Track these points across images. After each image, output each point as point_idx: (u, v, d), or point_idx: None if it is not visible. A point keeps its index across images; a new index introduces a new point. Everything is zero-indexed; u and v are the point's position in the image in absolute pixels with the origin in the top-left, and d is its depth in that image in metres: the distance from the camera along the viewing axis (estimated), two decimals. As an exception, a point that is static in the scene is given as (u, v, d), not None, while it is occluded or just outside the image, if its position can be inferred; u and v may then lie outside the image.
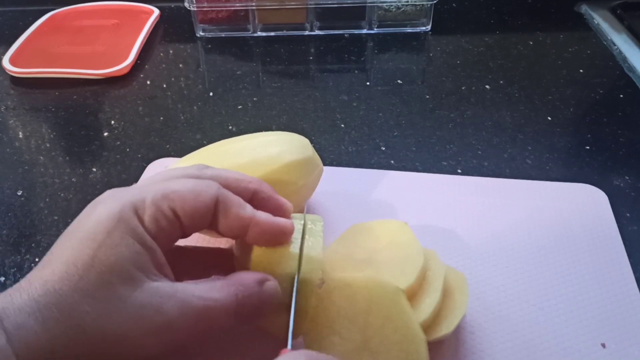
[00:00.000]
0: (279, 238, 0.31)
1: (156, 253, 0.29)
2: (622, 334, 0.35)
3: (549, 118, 0.55)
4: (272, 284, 0.30)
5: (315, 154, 0.42)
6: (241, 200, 0.31)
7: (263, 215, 0.31)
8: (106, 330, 0.26)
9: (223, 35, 0.70)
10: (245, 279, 0.29)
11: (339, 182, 0.46)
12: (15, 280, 0.40)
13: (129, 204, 0.28)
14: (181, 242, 0.32)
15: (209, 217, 0.30)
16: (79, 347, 0.25)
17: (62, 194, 0.48)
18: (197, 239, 0.41)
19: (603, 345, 0.34)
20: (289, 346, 0.29)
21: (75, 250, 0.27)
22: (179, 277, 0.30)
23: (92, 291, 0.26)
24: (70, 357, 0.25)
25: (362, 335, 0.30)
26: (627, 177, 0.47)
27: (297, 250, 0.31)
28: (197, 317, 0.27)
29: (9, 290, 0.26)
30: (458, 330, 0.35)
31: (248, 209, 0.31)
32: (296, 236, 0.32)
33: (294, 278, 0.31)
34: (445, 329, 0.32)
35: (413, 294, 0.33)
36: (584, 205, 0.43)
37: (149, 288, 0.27)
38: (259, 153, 0.39)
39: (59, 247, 0.28)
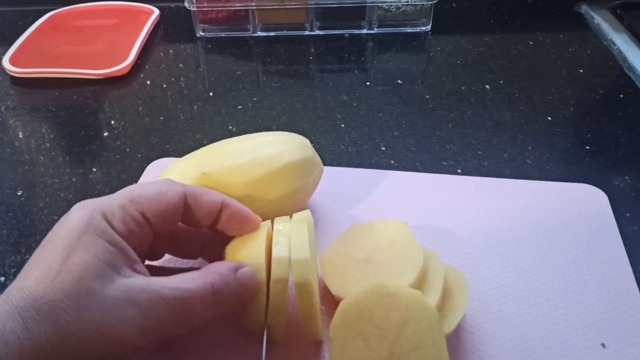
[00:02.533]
0: (250, 222, 0.34)
1: (128, 252, 0.30)
2: (622, 333, 0.35)
3: (549, 118, 0.55)
4: (247, 269, 0.31)
5: (316, 154, 0.42)
6: (209, 189, 0.33)
7: (233, 200, 0.33)
8: (83, 324, 0.26)
9: (223, 35, 0.70)
10: (219, 267, 0.31)
11: (339, 182, 0.46)
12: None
13: (97, 210, 0.30)
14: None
15: (179, 214, 0.32)
16: (59, 344, 0.26)
17: (62, 194, 0.48)
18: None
19: (603, 346, 0.34)
20: (264, 342, 0.30)
21: (49, 255, 0.28)
22: None
23: (66, 288, 0.27)
24: (52, 356, 0.26)
25: (389, 353, 0.30)
26: (627, 177, 0.47)
27: (263, 251, 0.32)
28: (170, 308, 0.28)
29: None
30: (458, 330, 0.35)
31: (218, 194, 0.33)
32: (282, 239, 0.32)
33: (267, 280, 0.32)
34: (445, 329, 0.32)
35: None
36: (584, 206, 0.43)
37: (122, 284, 0.28)
38: (259, 153, 0.39)
39: (35, 257, 0.29)
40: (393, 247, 0.36)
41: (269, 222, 0.35)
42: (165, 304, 0.28)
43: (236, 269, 0.31)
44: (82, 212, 0.30)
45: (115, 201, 0.30)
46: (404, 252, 0.35)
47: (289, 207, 0.40)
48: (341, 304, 0.31)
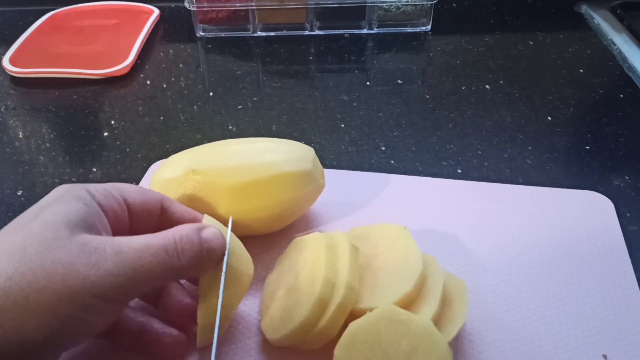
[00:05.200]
0: None
1: (102, 218, 0.30)
2: (624, 345, 0.34)
3: (549, 118, 0.55)
4: (211, 229, 0.31)
5: (317, 169, 0.40)
6: (183, 207, 0.35)
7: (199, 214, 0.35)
8: (47, 262, 0.26)
9: (223, 35, 0.70)
10: (183, 227, 0.31)
11: (339, 185, 0.46)
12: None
13: (80, 185, 0.31)
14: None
15: (156, 212, 0.33)
16: (27, 284, 0.26)
17: (62, 194, 0.48)
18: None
19: (605, 357, 0.34)
20: (216, 333, 0.30)
21: (25, 213, 0.29)
22: None
23: (34, 232, 0.27)
24: (20, 295, 0.26)
25: None
26: (627, 177, 0.47)
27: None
28: (135, 253, 0.28)
29: None
30: (457, 339, 0.34)
31: (190, 211, 0.35)
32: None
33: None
34: (445, 337, 0.31)
35: (411, 302, 0.32)
36: (589, 213, 0.43)
37: (90, 236, 0.28)
38: (252, 159, 0.38)
39: (11, 223, 0.29)
40: (392, 252, 0.35)
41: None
42: (131, 251, 0.28)
43: (200, 228, 0.31)
44: (64, 185, 0.31)
45: (95, 184, 0.32)
46: (402, 257, 0.35)
47: (274, 218, 0.39)
48: (351, 326, 0.31)
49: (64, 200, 0.29)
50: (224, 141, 0.41)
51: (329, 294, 0.32)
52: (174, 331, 0.34)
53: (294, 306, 0.32)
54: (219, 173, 0.37)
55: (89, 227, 0.29)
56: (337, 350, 0.30)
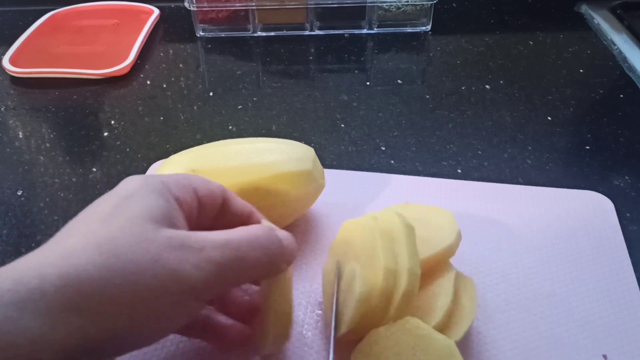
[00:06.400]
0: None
1: (179, 212, 0.29)
2: (624, 345, 0.34)
3: (549, 118, 0.55)
4: (283, 231, 0.31)
5: (317, 169, 0.40)
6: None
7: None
8: (136, 255, 0.25)
9: (223, 35, 0.70)
10: (258, 227, 0.30)
11: (338, 185, 0.46)
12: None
13: (154, 175, 0.30)
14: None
15: (219, 204, 0.32)
16: (110, 275, 0.25)
17: (62, 194, 0.48)
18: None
19: (605, 357, 0.34)
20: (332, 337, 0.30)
21: (103, 204, 0.28)
22: None
23: (120, 225, 0.26)
24: (112, 288, 0.25)
25: None
26: (627, 177, 0.47)
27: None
28: (221, 249, 0.27)
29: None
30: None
31: (246, 204, 0.34)
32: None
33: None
34: (453, 336, 0.31)
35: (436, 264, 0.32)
36: (589, 214, 0.43)
37: (175, 231, 0.27)
38: (252, 159, 0.38)
39: (85, 210, 0.28)
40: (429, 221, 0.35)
41: None
42: (215, 247, 0.27)
43: (274, 228, 0.30)
44: (137, 177, 0.30)
45: (168, 175, 0.31)
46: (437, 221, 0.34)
47: (273, 218, 0.38)
48: (371, 333, 0.31)
49: (144, 194, 0.28)
50: (224, 141, 0.41)
51: (392, 284, 0.31)
52: (239, 324, 0.33)
53: (355, 294, 0.32)
54: (218, 173, 0.37)
55: (170, 222, 0.28)
56: (353, 356, 0.30)
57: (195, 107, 0.58)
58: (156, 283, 0.25)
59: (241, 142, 0.40)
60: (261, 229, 0.29)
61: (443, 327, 0.32)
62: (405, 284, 0.31)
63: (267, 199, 0.38)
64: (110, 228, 0.26)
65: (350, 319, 0.31)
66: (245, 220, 0.33)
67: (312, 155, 0.40)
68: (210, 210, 0.32)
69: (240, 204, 0.33)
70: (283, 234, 0.30)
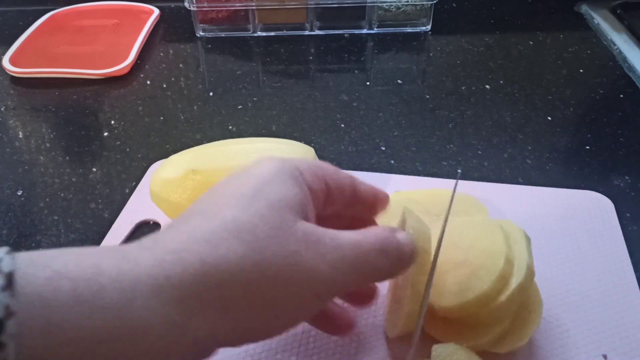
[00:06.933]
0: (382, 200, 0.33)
1: (311, 202, 0.28)
2: (624, 345, 0.34)
3: (549, 118, 0.55)
4: (403, 234, 0.30)
5: None
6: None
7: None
8: (278, 248, 0.25)
9: (223, 35, 0.70)
10: (381, 229, 0.29)
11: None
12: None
13: (288, 161, 0.29)
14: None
15: (349, 194, 0.31)
16: (252, 268, 0.24)
17: (62, 194, 0.48)
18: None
19: (605, 357, 0.34)
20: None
21: (241, 186, 0.27)
22: None
23: (261, 213, 0.25)
24: (243, 280, 0.24)
25: None
26: (627, 177, 0.47)
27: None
28: (350, 253, 0.27)
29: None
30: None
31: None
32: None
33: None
34: (519, 341, 0.32)
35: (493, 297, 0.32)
36: (589, 213, 0.43)
37: (310, 225, 0.27)
38: (252, 158, 0.37)
39: (218, 189, 0.27)
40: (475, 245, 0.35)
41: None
42: (348, 246, 0.27)
43: (393, 230, 0.29)
44: (272, 160, 0.29)
45: (302, 160, 0.30)
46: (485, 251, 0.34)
47: None
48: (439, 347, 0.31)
49: (282, 181, 0.27)
50: (224, 141, 0.41)
51: (509, 272, 0.32)
52: (350, 312, 0.33)
53: (470, 278, 0.32)
54: (219, 173, 0.37)
55: (305, 213, 0.27)
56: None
57: (195, 107, 0.58)
58: (293, 280, 0.25)
59: (241, 142, 0.40)
60: (388, 234, 0.29)
61: (507, 333, 0.33)
62: (523, 276, 0.31)
63: None
64: (251, 215, 0.25)
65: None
66: (370, 206, 0.32)
67: (312, 155, 0.40)
68: (337, 201, 0.31)
69: (365, 190, 0.32)
70: (403, 237, 0.29)
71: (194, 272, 0.23)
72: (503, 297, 0.31)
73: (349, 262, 0.26)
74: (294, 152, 0.39)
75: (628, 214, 0.44)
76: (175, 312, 0.22)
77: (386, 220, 0.35)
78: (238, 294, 0.24)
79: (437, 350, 0.31)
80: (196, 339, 0.23)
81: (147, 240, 0.25)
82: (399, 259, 0.29)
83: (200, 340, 0.23)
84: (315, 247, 0.25)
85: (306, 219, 0.27)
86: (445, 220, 0.33)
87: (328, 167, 0.31)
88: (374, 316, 0.36)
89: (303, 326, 0.35)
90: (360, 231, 0.28)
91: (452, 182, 0.46)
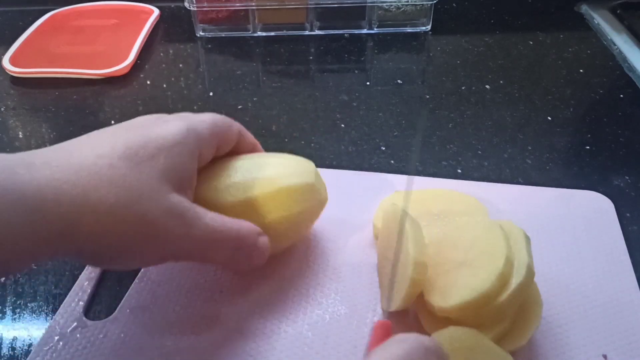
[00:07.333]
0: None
1: (194, 180, 0.33)
2: (624, 345, 0.34)
3: (549, 118, 0.55)
4: (266, 239, 0.34)
5: (320, 183, 0.39)
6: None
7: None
8: (145, 207, 0.29)
9: (223, 35, 0.70)
10: (248, 225, 0.34)
11: (338, 185, 0.45)
12: (15, 280, 0.40)
13: (193, 133, 0.33)
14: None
15: (232, 145, 0.37)
16: (121, 211, 0.29)
17: (62, 194, 0.48)
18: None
19: (605, 357, 0.34)
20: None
21: (144, 147, 0.31)
22: None
23: (148, 173, 0.30)
24: (111, 219, 0.29)
25: None
26: (627, 177, 0.47)
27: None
28: (202, 234, 0.31)
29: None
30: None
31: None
32: None
33: None
34: (519, 341, 0.32)
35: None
36: (589, 213, 0.43)
37: (180, 200, 0.31)
38: (253, 174, 0.36)
39: (128, 135, 0.32)
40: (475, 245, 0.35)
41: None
42: (205, 229, 0.31)
43: (259, 234, 0.34)
44: (179, 127, 0.32)
45: (204, 127, 0.34)
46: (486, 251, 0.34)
47: (284, 233, 0.37)
48: (442, 333, 0.31)
49: (180, 153, 0.32)
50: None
51: (510, 272, 0.32)
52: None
53: (470, 278, 0.32)
54: (221, 191, 0.35)
55: (182, 188, 0.32)
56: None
57: (195, 107, 0.58)
58: (148, 232, 0.30)
59: (239, 158, 0.38)
60: (251, 234, 0.33)
61: (506, 333, 0.33)
62: (523, 276, 0.32)
63: (269, 215, 0.36)
64: (138, 172, 0.30)
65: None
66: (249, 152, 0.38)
67: (313, 169, 0.38)
68: (222, 151, 0.36)
69: (248, 141, 0.38)
70: (263, 242, 0.34)
71: (69, 206, 0.28)
72: (503, 297, 0.31)
73: (197, 239, 0.31)
74: (293, 166, 0.37)
75: (628, 214, 0.44)
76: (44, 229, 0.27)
77: (386, 220, 0.35)
78: (103, 231, 0.28)
79: (443, 334, 0.31)
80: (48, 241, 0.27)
81: (39, 158, 0.31)
82: (247, 259, 0.34)
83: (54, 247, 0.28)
84: (175, 220, 0.30)
85: (183, 192, 0.32)
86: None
87: (221, 130, 0.35)
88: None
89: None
90: (232, 220, 0.33)
91: (452, 182, 0.46)
